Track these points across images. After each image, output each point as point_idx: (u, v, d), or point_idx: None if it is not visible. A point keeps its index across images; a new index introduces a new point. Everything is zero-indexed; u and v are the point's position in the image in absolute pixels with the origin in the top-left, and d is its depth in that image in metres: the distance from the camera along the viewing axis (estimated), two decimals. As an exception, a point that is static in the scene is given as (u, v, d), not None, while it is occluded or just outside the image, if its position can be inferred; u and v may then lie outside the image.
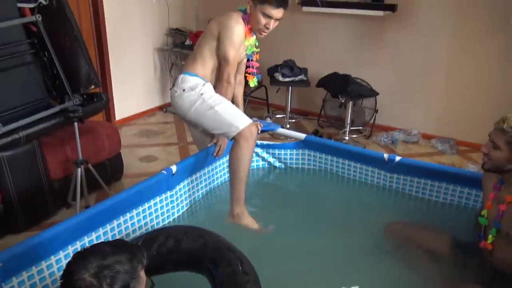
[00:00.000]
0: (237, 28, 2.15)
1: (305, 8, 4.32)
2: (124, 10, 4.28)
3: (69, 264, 1.02)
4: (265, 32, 2.20)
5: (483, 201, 1.94)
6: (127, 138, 4.14)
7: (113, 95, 4.34)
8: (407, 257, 2.03)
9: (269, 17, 2.13)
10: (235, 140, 2.16)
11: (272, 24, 2.17)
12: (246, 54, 2.31)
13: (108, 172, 3.17)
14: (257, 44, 2.39)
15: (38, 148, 2.66)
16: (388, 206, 2.48)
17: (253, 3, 2.15)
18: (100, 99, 2.89)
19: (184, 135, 4.22)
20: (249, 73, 2.47)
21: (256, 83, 2.51)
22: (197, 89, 2.20)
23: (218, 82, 2.24)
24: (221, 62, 2.20)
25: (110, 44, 4.18)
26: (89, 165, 2.79)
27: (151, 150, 3.90)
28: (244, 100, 4.52)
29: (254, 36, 2.32)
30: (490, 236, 1.80)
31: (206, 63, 2.25)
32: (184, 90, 2.21)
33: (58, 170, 2.83)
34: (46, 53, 2.69)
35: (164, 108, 4.91)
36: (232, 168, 2.17)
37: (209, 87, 2.24)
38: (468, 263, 1.94)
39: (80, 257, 1.02)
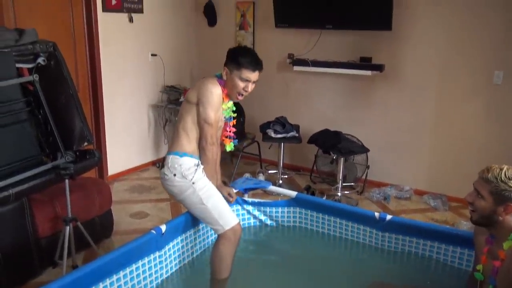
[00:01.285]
0: (215, 90, 2.18)
1: (296, 68, 4.45)
2: (121, 68, 4.35)
3: None
4: (243, 94, 2.25)
5: (476, 256, 1.92)
6: (119, 193, 4.09)
7: (107, 150, 4.33)
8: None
9: (247, 80, 2.19)
10: (219, 237, 2.21)
11: (250, 87, 2.22)
12: (224, 118, 2.33)
13: (97, 229, 3.10)
14: (234, 109, 2.40)
15: (27, 205, 2.61)
16: (380, 265, 2.44)
17: (228, 69, 2.20)
18: (92, 156, 2.88)
19: (176, 190, 4.18)
20: (226, 137, 2.46)
21: (232, 147, 2.48)
22: (189, 177, 2.16)
23: (201, 147, 2.20)
24: (202, 125, 2.17)
25: (106, 100, 4.22)
26: (78, 223, 2.73)
27: (142, 206, 3.85)
28: (237, 156, 4.59)
29: (231, 101, 2.35)
30: None
31: (190, 136, 2.22)
32: (175, 175, 2.18)
33: (46, 228, 2.75)
34: (41, 111, 2.71)
35: (157, 163, 4.89)
36: (214, 265, 2.21)
37: (200, 173, 2.21)
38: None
39: None
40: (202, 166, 2.23)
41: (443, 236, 2.34)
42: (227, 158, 5.06)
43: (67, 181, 2.62)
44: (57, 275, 1.96)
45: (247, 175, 4.25)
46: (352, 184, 4.35)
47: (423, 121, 4.10)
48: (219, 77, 2.25)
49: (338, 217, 2.61)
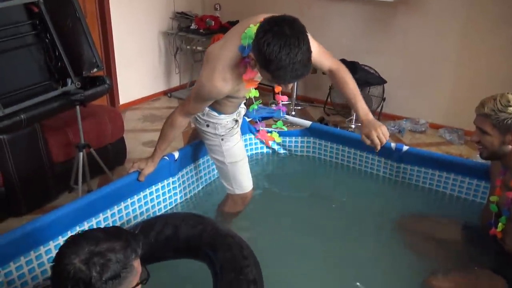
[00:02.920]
0: (213, 83, 1.60)
1: (313, -8, 4.23)
2: (129, -9, 4.21)
3: (61, 248, 0.99)
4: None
5: (491, 188, 1.92)
6: (131, 122, 4.10)
7: (117, 79, 4.29)
8: (419, 249, 2.00)
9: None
10: (227, 196, 2.12)
11: (290, 87, 1.73)
12: (254, 119, 1.88)
13: (110, 157, 3.14)
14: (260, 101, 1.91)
15: (40, 131, 2.64)
16: (395, 197, 2.43)
17: (256, 61, 1.46)
18: (102, 83, 2.82)
19: (188, 120, 4.18)
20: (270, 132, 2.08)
21: (279, 139, 2.14)
22: (220, 132, 1.96)
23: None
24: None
25: (115, 27, 4.11)
26: (91, 150, 2.75)
27: (154, 135, 3.75)
28: (250, 86, 4.51)
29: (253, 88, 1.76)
30: (500, 223, 1.77)
31: (220, 102, 1.87)
32: (207, 125, 1.97)
33: (60, 154, 2.80)
34: (48, 35, 2.63)
35: (168, 93, 4.86)
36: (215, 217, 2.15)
37: (234, 131, 1.98)
38: (480, 250, 1.91)
39: (72, 242, 0.99)
40: (239, 123, 2.01)
41: (460, 168, 2.31)
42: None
43: (78, 107, 2.60)
44: (72, 199, 2.02)
45: (258, 103, 4.20)
46: (367, 116, 4.27)
47: (446, 52, 3.93)
48: (245, 50, 1.53)
49: (353, 147, 2.58)
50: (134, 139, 3.74)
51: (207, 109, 1.88)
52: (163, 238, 1.62)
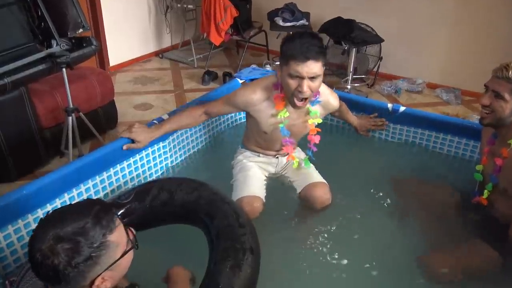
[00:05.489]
0: (239, 93, 1.85)
1: None
2: None
3: (33, 231, 0.93)
4: (301, 97, 1.68)
5: (480, 156, 1.87)
6: (121, 85, 4.00)
7: (106, 40, 4.14)
8: (410, 212, 1.98)
9: (297, 76, 1.63)
10: None
11: (306, 86, 1.63)
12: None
13: (101, 120, 3.07)
14: (287, 116, 1.82)
15: (26, 95, 2.54)
16: (390, 158, 2.39)
17: (280, 66, 1.72)
18: (89, 44, 2.68)
19: (180, 82, 4.07)
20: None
21: (308, 163, 2.03)
22: (233, 161, 2.08)
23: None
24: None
25: (101, -16, 3.93)
26: (81, 113, 2.67)
27: (146, 98, 3.77)
28: (243, 46, 4.39)
29: (286, 109, 1.81)
30: (485, 190, 1.75)
31: (249, 135, 2.02)
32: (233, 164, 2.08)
33: (49, 118, 2.72)
34: (28, -7, 2.48)
35: (160, 54, 4.72)
36: None
37: (242, 162, 2.01)
38: (470, 217, 1.88)
39: (40, 226, 0.93)
40: (248, 158, 2.03)
41: (456, 129, 2.26)
42: (232, 49, 4.91)
43: (64, 70, 2.50)
44: (64, 165, 1.98)
45: (253, 66, 4.08)
46: (363, 76, 4.18)
47: (443, 10, 3.79)
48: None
49: (350, 108, 2.47)
50: (126, 102, 3.65)
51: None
52: (158, 204, 1.59)
